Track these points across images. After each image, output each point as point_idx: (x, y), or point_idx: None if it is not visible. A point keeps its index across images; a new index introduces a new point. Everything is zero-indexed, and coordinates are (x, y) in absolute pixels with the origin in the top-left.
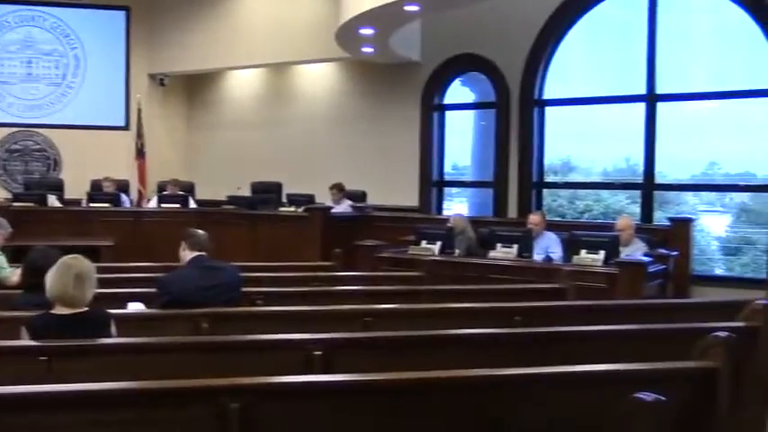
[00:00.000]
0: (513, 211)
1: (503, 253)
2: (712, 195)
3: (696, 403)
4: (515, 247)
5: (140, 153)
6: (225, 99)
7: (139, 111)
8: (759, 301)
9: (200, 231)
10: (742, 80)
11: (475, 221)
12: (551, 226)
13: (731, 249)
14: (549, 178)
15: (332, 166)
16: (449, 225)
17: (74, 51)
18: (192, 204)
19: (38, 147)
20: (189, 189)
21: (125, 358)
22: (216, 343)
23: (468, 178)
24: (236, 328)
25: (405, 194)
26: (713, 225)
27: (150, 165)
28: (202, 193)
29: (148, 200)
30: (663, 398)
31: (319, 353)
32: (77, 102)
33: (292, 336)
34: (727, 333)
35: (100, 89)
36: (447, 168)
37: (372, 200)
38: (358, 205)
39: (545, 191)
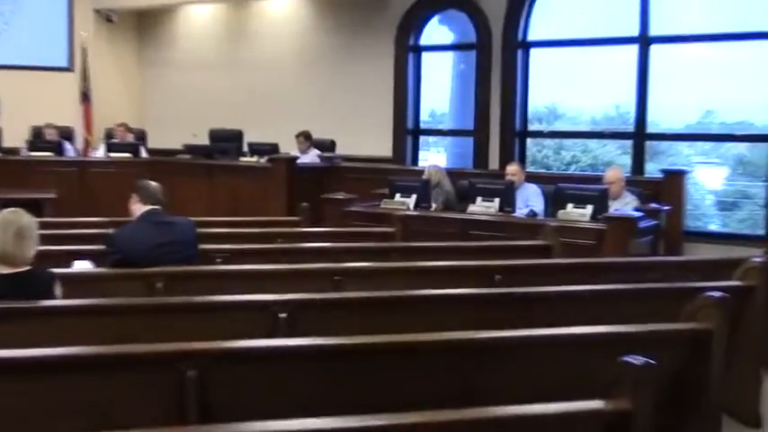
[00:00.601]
0: (494, 163)
1: (483, 207)
2: (707, 146)
3: (688, 366)
4: (497, 200)
5: (85, 97)
6: (180, 38)
7: (84, 50)
8: (755, 259)
9: (153, 183)
10: (741, 22)
11: (453, 173)
12: (536, 178)
13: (727, 204)
14: (534, 127)
15: (298, 113)
16: (424, 177)
17: None
18: (144, 154)
19: None
20: (140, 137)
21: (71, 321)
22: (172, 305)
23: (446, 126)
24: (193, 288)
25: (377, 144)
26: (708, 178)
27: (97, 110)
28: (155, 141)
29: (95, 149)
30: (653, 361)
31: (284, 315)
32: (15, 40)
33: (255, 296)
34: (721, 293)
35: (40, 26)
36: (423, 116)
37: (342, 149)
38: (326, 155)
39: (529, 140)
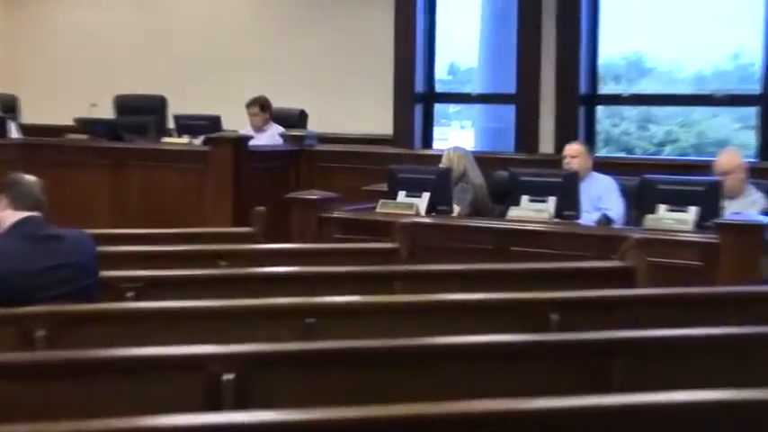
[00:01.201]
0: (547, 144)
1: (531, 210)
2: None
3: None
4: (551, 200)
5: None
6: None
7: None
8: None
9: (30, 177)
10: None
11: (486, 159)
12: (611, 166)
13: None
14: (608, 89)
15: (250, 72)
16: (442, 165)
17: None
18: (15, 133)
19: None
20: (9, 107)
21: None
22: (60, 362)
23: (474, 90)
24: (91, 337)
25: (371, 116)
26: None
27: None
28: (32, 113)
29: None
30: None
31: (230, 376)
32: None
33: (186, 349)
34: None
35: None
36: (440, 73)
37: (317, 125)
38: (294, 133)
39: (600, 109)
